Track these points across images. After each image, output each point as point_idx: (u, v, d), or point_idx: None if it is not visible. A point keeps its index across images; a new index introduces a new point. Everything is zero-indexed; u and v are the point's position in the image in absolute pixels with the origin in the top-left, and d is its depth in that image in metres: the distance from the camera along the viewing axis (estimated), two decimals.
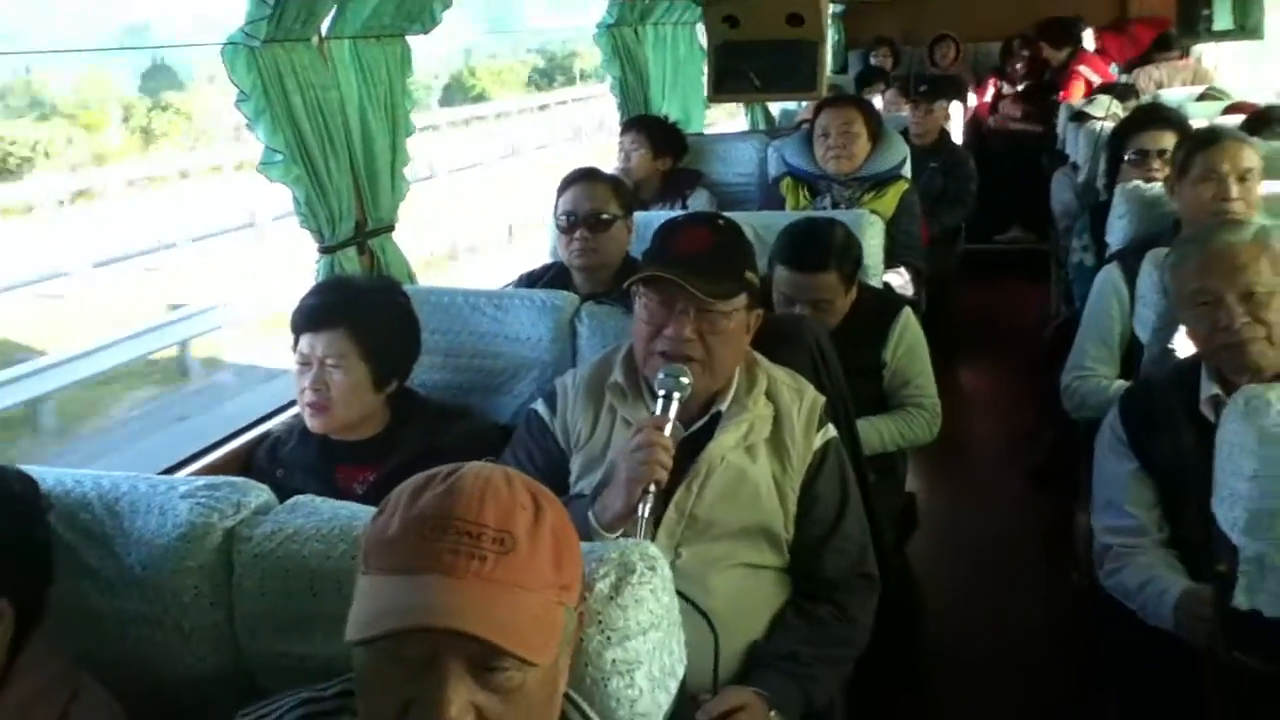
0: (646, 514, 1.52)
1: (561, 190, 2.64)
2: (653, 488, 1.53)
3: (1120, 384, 2.42)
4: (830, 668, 1.69)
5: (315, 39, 2.26)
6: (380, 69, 2.44)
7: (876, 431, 2.48)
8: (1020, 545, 3.33)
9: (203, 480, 1.29)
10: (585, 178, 2.64)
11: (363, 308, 1.91)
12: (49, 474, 1.31)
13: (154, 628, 1.25)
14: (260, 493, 1.30)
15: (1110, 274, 2.60)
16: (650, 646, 1.11)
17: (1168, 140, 3.17)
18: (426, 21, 2.52)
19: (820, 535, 1.73)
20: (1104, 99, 4.72)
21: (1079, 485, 2.43)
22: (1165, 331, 2.24)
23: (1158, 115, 3.42)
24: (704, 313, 1.65)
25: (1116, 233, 2.85)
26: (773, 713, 1.59)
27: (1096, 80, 6.21)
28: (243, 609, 1.23)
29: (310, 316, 1.90)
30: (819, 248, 2.46)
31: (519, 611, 0.94)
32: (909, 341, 2.60)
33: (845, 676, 1.77)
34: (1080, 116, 4.81)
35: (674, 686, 1.15)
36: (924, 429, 2.60)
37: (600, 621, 1.08)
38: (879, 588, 1.78)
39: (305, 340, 1.89)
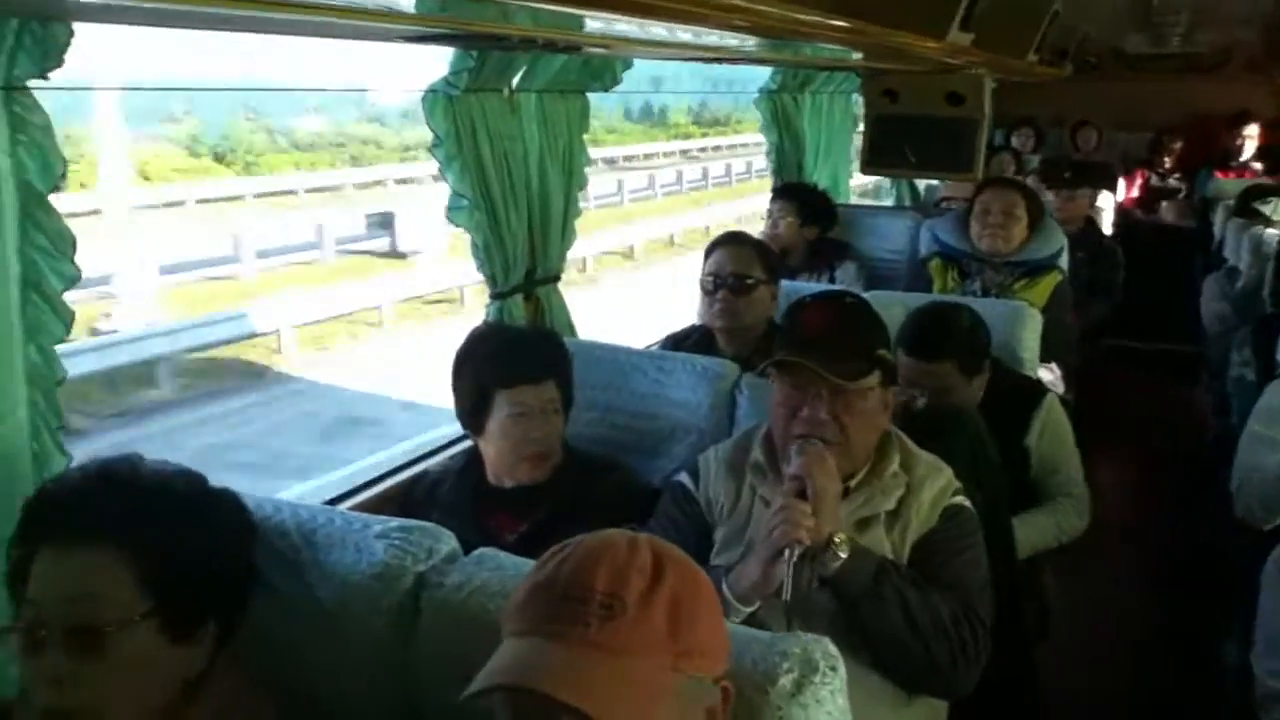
0: (790, 577, 1.47)
1: (708, 253, 2.66)
2: (795, 551, 1.49)
3: None
4: (916, 607, 1.55)
5: (506, 91, 2.34)
6: (561, 122, 2.52)
7: (1034, 529, 2.41)
8: (1155, 663, 3.16)
9: (396, 522, 1.32)
10: (731, 241, 2.66)
11: (565, 359, 2.01)
12: (250, 499, 1.34)
13: (335, 660, 1.27)
14: (449, 540, 1.31)
15: None
16: None
17: None
18: (608, 80, 2.59)
19: (927, 577, 1.61)
20: (1275, 200, 4.51)
21: (1230, 611, 2.30)
22: None
23: None
24: (838, 394, 1.63)
25: None
26: (842, 541, 1.54)
27: None
28: (424, 654, 1.25)
29: (528, 369, 1.94)
30: (937, 335, 2.38)
31: (620, 678, 0.94)
32: (1054, 429, 2.53)
33: (912, 636, 1.55)
34: (1246, 212, 4.58)
35: None
36: (1076, 519, 2.52)
37: (780, 718, 1.06)
38: (989, 645, 1.61)
39: (524, 391, 1.92)
